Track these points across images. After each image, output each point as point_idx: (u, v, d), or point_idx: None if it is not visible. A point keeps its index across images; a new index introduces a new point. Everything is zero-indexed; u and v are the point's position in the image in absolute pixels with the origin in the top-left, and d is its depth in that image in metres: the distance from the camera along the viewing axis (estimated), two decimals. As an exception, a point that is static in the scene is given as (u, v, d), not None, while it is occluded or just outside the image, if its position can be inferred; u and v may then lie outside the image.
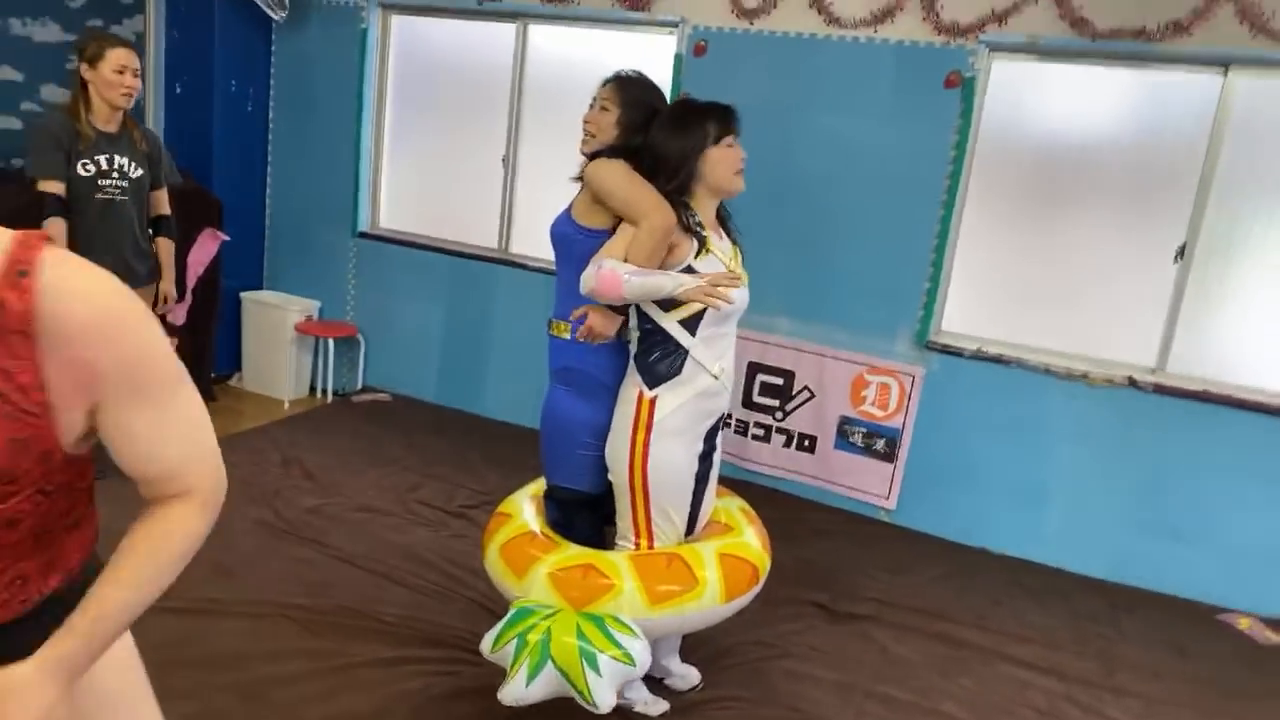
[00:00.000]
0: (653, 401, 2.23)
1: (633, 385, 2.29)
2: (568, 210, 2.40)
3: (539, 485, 2.62)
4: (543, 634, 2.10)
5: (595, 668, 2.04)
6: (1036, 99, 3.75)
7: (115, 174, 3.23)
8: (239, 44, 4.79)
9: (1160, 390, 3.61)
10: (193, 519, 1.08)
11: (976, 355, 3.86)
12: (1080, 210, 3.73)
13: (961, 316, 3.97)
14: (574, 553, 2.28)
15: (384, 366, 5.09)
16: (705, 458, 2.35)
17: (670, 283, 2.12)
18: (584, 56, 4.41)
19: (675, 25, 4.13)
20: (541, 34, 4.51)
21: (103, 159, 3.20)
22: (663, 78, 4.12)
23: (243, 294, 4.99)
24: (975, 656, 3.03)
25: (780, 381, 4.24)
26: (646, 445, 2.24)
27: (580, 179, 2.36)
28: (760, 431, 4.31)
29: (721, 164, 2.26)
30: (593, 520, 2.47)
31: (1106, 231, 3.72)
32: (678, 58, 4.14)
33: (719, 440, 2.43)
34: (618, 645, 2.08)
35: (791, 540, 3.67)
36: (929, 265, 3.88)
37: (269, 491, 3.61)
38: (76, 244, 3.11)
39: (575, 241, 2.32)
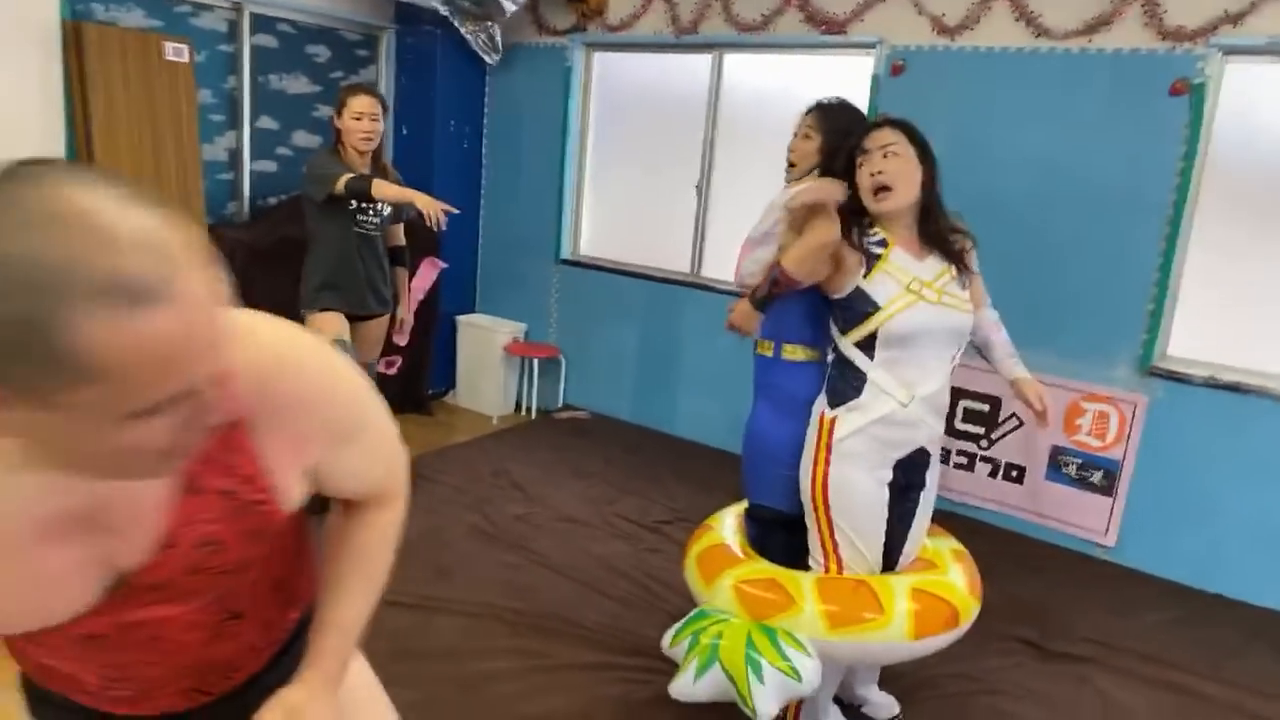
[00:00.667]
0: (833, 421, 2.22)
1: (820, 404, 2.29)
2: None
3: (740, 504, 2.66)
4: (714, 636, 2.16)
5: (759, 676, 2.07)
6: (1278, 105, 3.42)
7: (371, 212, 3.54)
8: (456, 87, 5.20)
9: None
10: (397, 517, 1.16)
11: (1208, 383, 3.55)
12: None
13: (1190, 341, 3.67)
14: (762, 567, 2.31)
15: (583, 386, 5.32)
16: (904, 492, 2.29)
17: (779, 195, 2.19)
18: (778, 82, 4.47)
19: (873, 46, 4.10)
20: (737, 62, 4.61)
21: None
22: (859, 100, 4.11)
23: (457, 317, 5.39)
24: (1211, 711, 2.77)
25: (985, 408, 4.07)
26: (827, 464, 2.22)
27: None
28: (964, 460, 4.14)
29: (859, 182, 2.20)
30: (789, 542, 2.48)
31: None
32: (874, 79, 4.11)
33: (929, 478, 2.34)
34: (786, 659, 2.09)
35: (998, 574, 3.47)
36: (1152, 285, 3.61)
37: (481, 499, 3.87)
38: (335, 271, 3.46)
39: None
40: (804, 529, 2.43)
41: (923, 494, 2.34)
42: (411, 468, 1.23)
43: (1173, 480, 3.65)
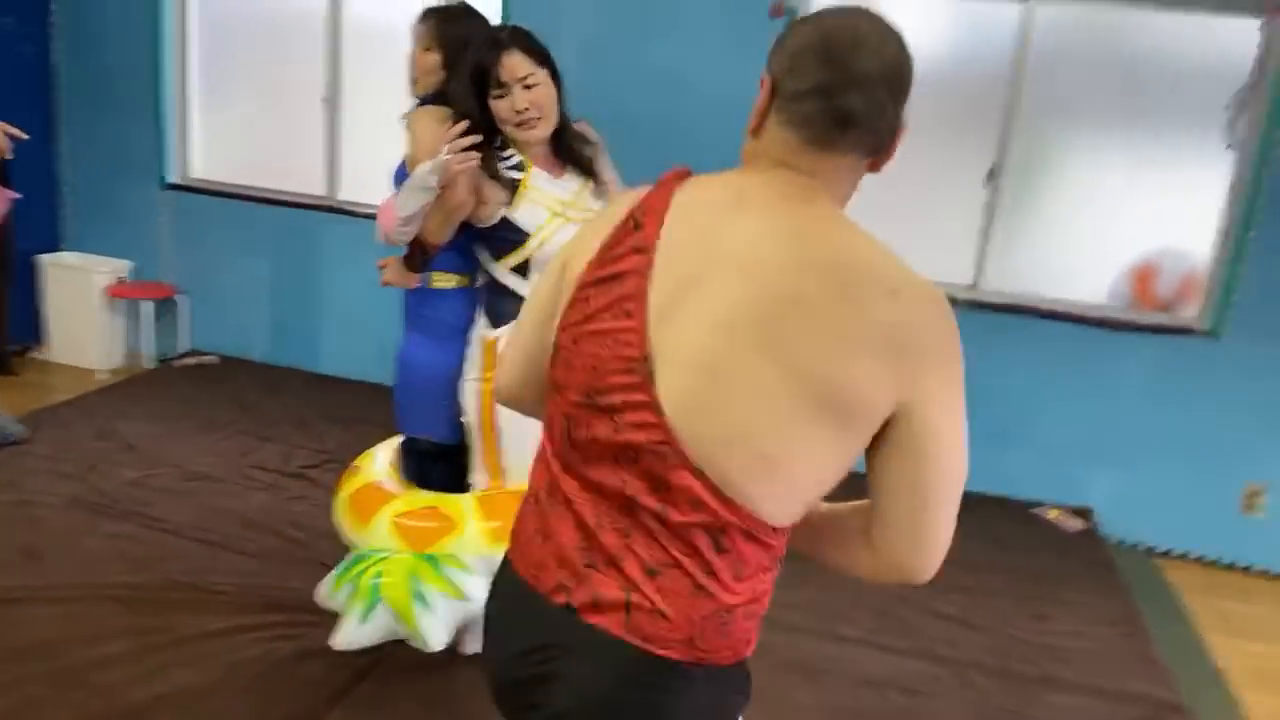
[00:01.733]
0: (495, 342, 2.18)
1: (480, 327, 2.23)
2: (403, 160, 2.29)
3: (392, 440, 2.53)
4: (375, 576, 2.09)
5: (427, 605, 2.03)
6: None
7: None
8: (7, -24, 4.28)
9: (976, 306, 3.83)
10: None
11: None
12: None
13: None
14: (420, 498, 2.24)
15: (210, 328, 4.77)
16: None
17: (421, 174, 2.00)
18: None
19: (498, -47, 3.97)
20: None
21: None
22: (490, 5, 3.98)
23: (40, 257, 4.55)
24: (814, 569, 3.16)
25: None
26: (491, 384, 2.19)
27: None
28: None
29: (500, 114, 2.09)
30: (451, 471, 2.41)
31: (919, 158, 3.87)
32: (503, -15, 3.99)
33: None
34: (451, 582, 2.06)
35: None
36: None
37: (83, 467, 3.34)
38: None
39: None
40: (464, 456, 2.37)
41: None
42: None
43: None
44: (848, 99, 1.02)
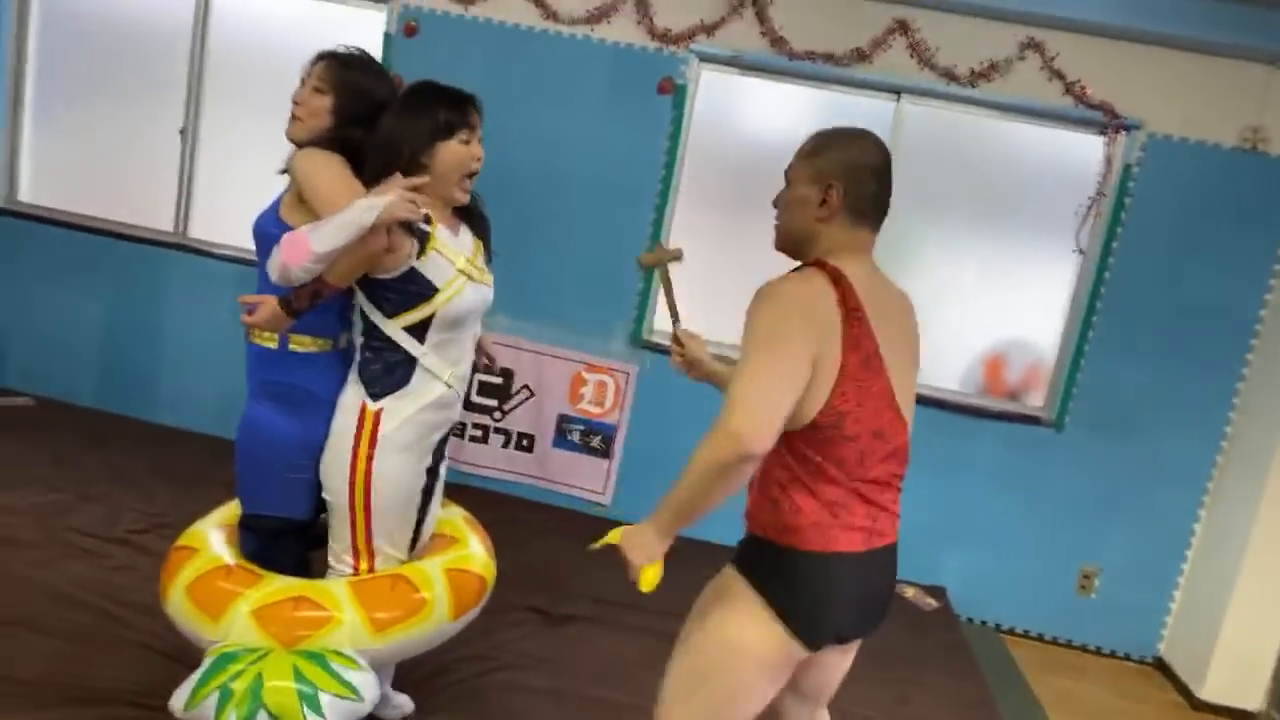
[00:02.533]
0: (377, 414, 2.01)
1: (355, 395, 2.04)
2: (275, 205, 2.10)
3: (227, 511, 2.29)
4: (252, 680, 1.83)
5: (317, 709, 1.82)
6: (741, 109, 3.94)
7: None
8: None
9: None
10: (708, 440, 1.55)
11: (687, 354, 4.00)
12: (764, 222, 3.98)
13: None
14: (281, 585, 2.00)
15: (29, 367, 4.30)
16: (432, 471, 2.16)
17: (358, 211, 1.84)
18: (283, 22, 4.00)
19: (384, 1, 3.85)
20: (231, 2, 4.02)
21: None
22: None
23: None
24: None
25: (499, 381, 4.12)
26: (370, 461, 2.01)
27: (287, 171, 2.07)
28: (478, 432, 4.16)
29: (454, 161, 2.01)
30: (298, 549, 2.20)
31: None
32: (387, 36, 3.87)
33: (446, 450, 2.25)
34: (340, 681, 1.86)
35: (509, 544, 3.56)
36: (641, 277, 3.95)
37: None
38: None
39: (272, 238, 2.02)
40: (312, 536, 2.17)
41: (442, 467, 2.25)
42: None
43: (657, 440, 4.06)
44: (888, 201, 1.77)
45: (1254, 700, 3.58)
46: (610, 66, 3.82)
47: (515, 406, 4.13)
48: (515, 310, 4.03)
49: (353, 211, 1.85)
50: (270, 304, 1.96)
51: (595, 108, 3.85)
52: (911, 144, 3.84)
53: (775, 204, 1.81)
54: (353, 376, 2.07)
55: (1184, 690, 3.69)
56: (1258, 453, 3.57)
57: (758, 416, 1.50)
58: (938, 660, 3.38)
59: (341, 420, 2.05)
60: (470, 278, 2.06)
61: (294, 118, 2.13)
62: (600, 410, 4.10)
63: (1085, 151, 3.74)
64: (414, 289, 1.98)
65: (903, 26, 3.64)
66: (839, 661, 1.87)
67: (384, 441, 2.01)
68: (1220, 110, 3.58)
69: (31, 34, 4.15)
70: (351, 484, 2.02)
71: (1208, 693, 3.59)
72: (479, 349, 2.30)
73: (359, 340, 2.09)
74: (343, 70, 2.11)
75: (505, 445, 4.16)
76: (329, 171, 1.97)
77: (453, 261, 2.03)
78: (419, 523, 2.18)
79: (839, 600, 1.68)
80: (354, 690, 1.88)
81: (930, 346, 4.07)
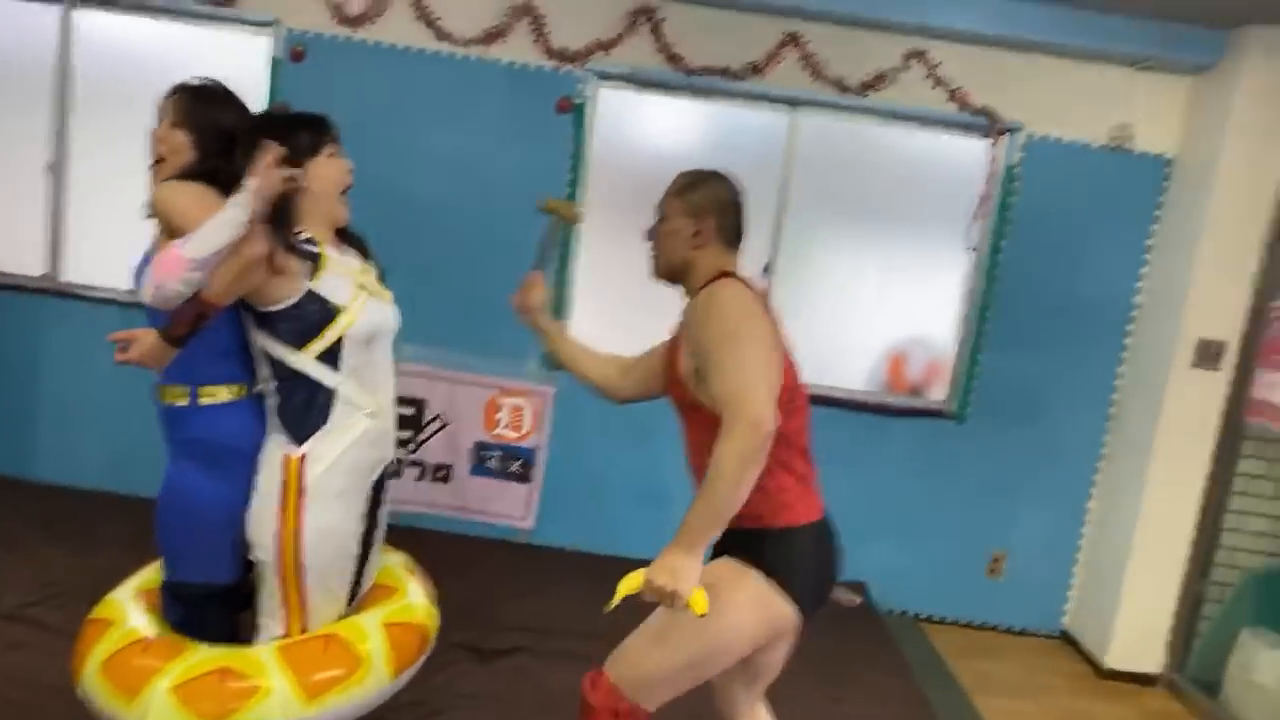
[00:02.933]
0: (301, 460, 1.92)
1: (275, 444, 1.95)
2: (148, 253, 1.99)
3: (145, 576, 2.16)
4: None
5: None
6: (641, 125, 3.96)
7: None
8: None
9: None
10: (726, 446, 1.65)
11: (603, 372, 3.99)
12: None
13: (590, 329, 4.07)
14: (203, 656, 1.89)
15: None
16: (370, 515, 2.08)
17: (231, 210, 1.77)
18: (163, 48, 3.78)
19: (269, 25, 3.70)
20: (97, 21, 3.78)
21: None
22: (259, 83, 3.69)
23: None
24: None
25: (410, 411, 4.01)
26: (299, 513, 1.91)
27: (152, 213, 1.95)
28: (392, 466, 4.03)
29: (327, 178, 1.97)
30: (225, 614, 2.09)
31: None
32: (275, 61, 3.71)
33: (385, 494, 2.16)
34: None
35: (432, 581, 3.48)
36: (552, 285, 3.91)
37: None
38: None
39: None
40: (240, 598, 2.06)
41: (382, 511, 2.16)
42: None
43: (578, 460, 4.04)
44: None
45: (1154, 664, 3.83)
46: (507, 87, 3.77)
47: (429, 437, 4.03)
48: (424, 337, 3.91)
49: (225, 210, 1.78)
50: (147, 337, 1.86)
51: (495, 129, 3.80)
52: (808, 152, 3.93)
53: (650, 236, 2.04)
54: (271, 425, 1.98)
55: (1090, 660, 3.91)
56: (1141, 430, 3.81)
57: (764, 398, 1.66)
58: (866, 657, 3.47)
59: (264, 475, 1.96)
60: (370, 292, 2.01)
61: (157, 160, 2.03)
62: (517, 434, 4.03)
63: (972, 154, 3.92)
64: (315, 312, 1.91)
65: (794, 40, 3.73)
66: (789, 639, 1.99)
67: (313, 490, 1.92)
68: (1090, 111, 3.81)
69: None
70: (281, 541, 1.93)
71: (1112, 660, 3.82)
72: None
73: (270, 385, 1.99)
74: (196, 103, 2.02)
75: (420, 478, 4.05)
76: (189, 194, 1.89)
77: (349, 279, 1.97)
78: (358, 574, 2.10)
79: (826, 564, 1.97)
80: None
81: (835, 348, 4.22)
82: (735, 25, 3.73)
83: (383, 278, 2.14)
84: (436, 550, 3.84)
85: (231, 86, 2.08)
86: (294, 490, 1.91)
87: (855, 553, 4.12)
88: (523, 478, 4.06)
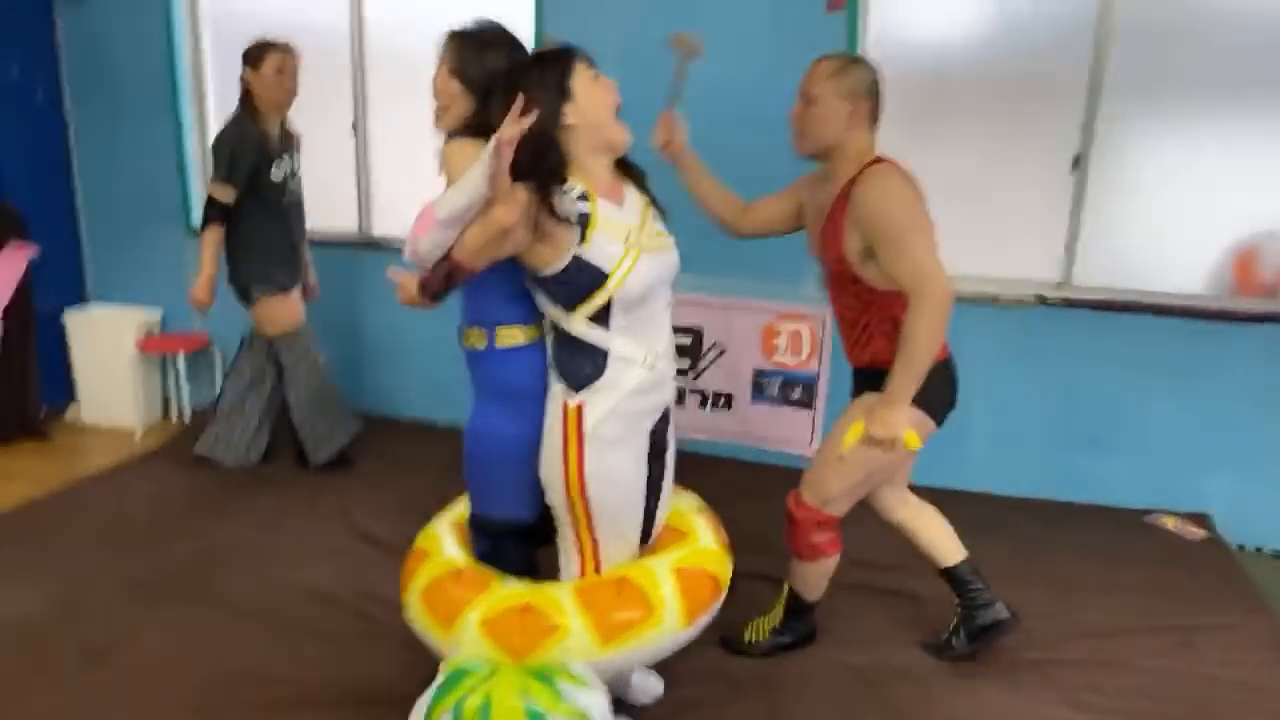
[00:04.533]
0: (579, 409, 1.91)
1: (556, 392, 1.97)
2: None
3: (456, 511, 2.30)
4: (483, 699, 1.81)
5: None
6: (919, 14, 3.57)
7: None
8: (10, 26, 4.06)
9: (1069, 304, 3.57)
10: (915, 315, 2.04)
11: (887, 290, 3.72)
12: (976, 125, 3.61)
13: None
14: (509, 591, 1.97)
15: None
16: (657, 459, 2.07)
17: (476, 174, 1.74)
18: (432, 4, 3.96)
19: (530, -38, 3.72)
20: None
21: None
22: (524, 19, 3.74)
23: (67, 311, 4.34)
24: (935, 607, 2.92)
25: (688, 341, 4.00)
26: (581, 460, 1.92)
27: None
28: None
29: (592, 102, 1.85)
30: (526, 549, 2.18)
31: (1002, 145, 3.62)
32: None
33: (671, 434, 2.14)
34: (569, 703, 1.81)
35: (720, 506, 3.49)
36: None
37: (135, 544, 3.13)
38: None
39: None
40: (540, 534, 2.13)
41: (668, 454, 2.14)
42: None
43: (864, 386, 3.84)
44: None
45: None
46: (771, -9, 3.54)
47: (707, 366, 4.01)
48: (696, 265, 3.82)
49: (472, 176, 1.75)
50: (411, 284, 1.88)
51: (761, 40, 3.59)
52: (1129, 14, 3.35)
53: (798, 117, 2.25)
54: (551, 373, 1.99)
55: None
56: None
57: (943, 275, 2.02)
58: (1216, 596, 3.03)
59: (549, 417, 1.97)
60: (643, 248, 1.90)
61: (439, 108, 2.04)
62: (797, 360, 3.90)
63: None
64: (583, 279, 1.86)
65: (1109, -114, 3.16)
66: None
67: (591, 438, 1.91)
68: None
69: (206, 55, 4.30)
70: (566, 484, 1.94)
71: None
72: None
73: (550, 336, 1.99)
74: (466, 49, 1.98)
75: (703, 406, 4.05)
76: (465, 152, 1.87)
77: (620, 239, 1.87)
78: (648, 517, 2.09)
79: (954, 385, 2.38)
80: (583, 713, 1.82)
81: (1167, 248, 3.65)
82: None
83: (663, 215, 2.04)
84: (727, 478, 3.86)
85: (506, 26, 2.06)
86: (575, 437, 1.91)
87: (1195, 481, 3.65)
88: (805, 404, 3.94)
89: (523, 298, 2.00)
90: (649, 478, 2.05)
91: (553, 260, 1.85)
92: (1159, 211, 3.54)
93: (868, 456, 2.22)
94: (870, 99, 2.20)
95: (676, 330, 3.97)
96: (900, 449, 2.11)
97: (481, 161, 1.74)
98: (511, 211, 1.75)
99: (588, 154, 1.89)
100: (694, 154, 2.54)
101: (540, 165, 1.81)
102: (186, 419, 4.39)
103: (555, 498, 1.99)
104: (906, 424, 2.09)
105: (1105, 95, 3.43)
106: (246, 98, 3.38)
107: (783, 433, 3.99)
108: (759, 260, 3.79)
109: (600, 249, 1.85)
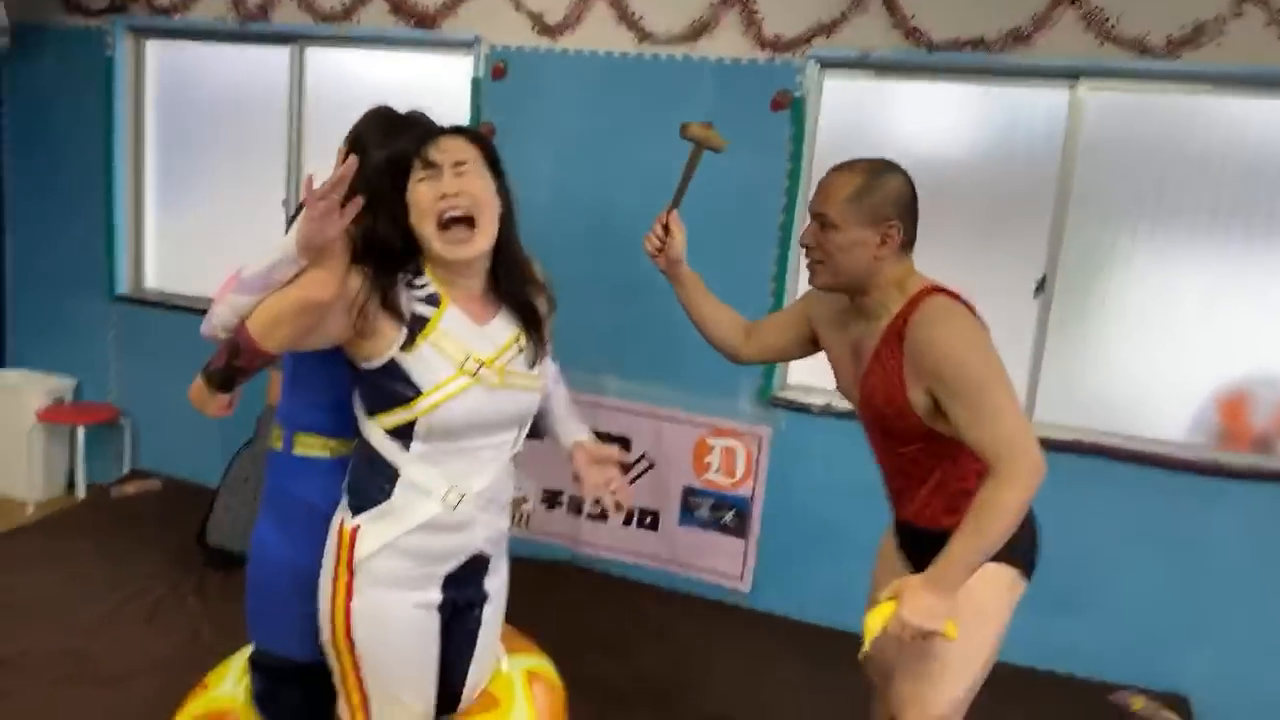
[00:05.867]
0: (353, 533, 1.59)
1: (340, 507, 1.65)
2: None
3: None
4: None
5: None
6: (876, 118, 3.33)
7: None
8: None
9: (1030, 442, 3.17)
10: (1002, 494, 1.59)
11: (825, 411, 3.36)
12: (931, 243, 3.30)
13: (809, 366, 3.48)
14: None
15: (158, 449, 4.29)
16: (461, 613, 1.70)
17: (291, 236, 1.45)
18: (376, 81, 3.82)
19: (470, 45, 3.57)
20: (322, 57, 3.89)
21: None
22: (460, 104, 3.58)
23: (-25, 375, 4.14)
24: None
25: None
26: (349, 592, 1.59)
27: None
28: (596, 509, 3.70)
29: (412, 206, 1.56)
30: (308, 698, 1.79)
31: (960, 265, 3.28)
32: (475, 81, 3.58)
33: (492, 586, 1.76)
34: None
35: (629, 648, 3.09)
36: (768, 309, 3.38)
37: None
38: None
39: None
40: (327, 684, 1.76)
41: (487, 609, 1.77)
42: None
43: (798, 513, 3.44)
44: None
45: None
46: (716, 86, 3.32)
47: (635, 478, 3.65)
48: (627, 370, 3.58)
49: (279, 252, 1.46)
50: (197, 378, 1.55)
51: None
52: (1096, 137, 3.08)
53: (812, 245, 1.79)
54: (344, 484, 1.67)
55: None
56: None
57: (1034, 442, 1.61)
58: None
59: (329, 539, 1.64)
60: (479, 380, 1.57)
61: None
62: (730, 481, 3.53)
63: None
64: (393, 386, 1.55)
65: (1072, -7, 2.93)
66: None
67: (362, 569, 1.57)
68: None
69: (148, 122, 4.20)
70: (332, 620, 1.60)
71: None
72: (578, 467, 1.80)
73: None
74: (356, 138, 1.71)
75: (627, 523, 3.68)
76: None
77: (455, 361, 1.56)
78: (449, 672, 1.72)
79: (1035, 532, 1.90)
80: None
81: (1142, 388, 3.27)
82: (992, -16, 3.01)
83: (538, 355, 1.69)
84: (640, 606, 3.46)
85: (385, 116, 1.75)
86: (345, 565, 1.59)
87: (1173, 657, 3.16)
88: (737, 531, 3.55)
89: (336, 408, 1.70)
90: (450, 635, 1.69)
91: (369, 355, 1.55)
92: (1134, 345, 3.18)
93: (976, 650, 1.77)
94: (904, 217, 1.74)
95: (601, 437, 3.65)
96: (933, 644, 1.67)
97: (286, 243, 1.47)
98: (322, 286, 1.46)
99: (440, 263, 1.60)
100: (689, 269, 2.17)
101: (382, 249, 1.55)
102: (81, 493, 4.10)
103: (323, 634, 1.65)
104: (949, 614, 1.62)
105: (1071, 215, 3.12)
106: None
107: (712, 561, 3.59)
108: (694, 369, 3.48)
109: (425, 362, 1.55)
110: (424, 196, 1.55)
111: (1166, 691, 3.09)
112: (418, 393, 1.54)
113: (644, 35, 3.35)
